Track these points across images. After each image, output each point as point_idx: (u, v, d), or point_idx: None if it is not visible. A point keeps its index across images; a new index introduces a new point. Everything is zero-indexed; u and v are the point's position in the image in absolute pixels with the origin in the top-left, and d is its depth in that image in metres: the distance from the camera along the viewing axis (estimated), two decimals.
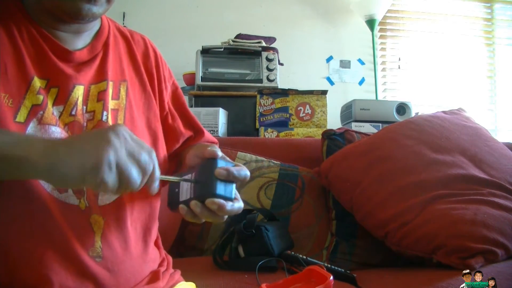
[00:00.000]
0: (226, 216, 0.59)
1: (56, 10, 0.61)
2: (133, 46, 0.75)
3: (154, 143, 0.73)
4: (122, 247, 0.64)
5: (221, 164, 0.59)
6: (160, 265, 0.75)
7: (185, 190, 0.60)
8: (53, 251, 0.56)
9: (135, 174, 0.50)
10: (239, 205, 0.60)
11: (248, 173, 0.62)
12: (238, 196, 0.61)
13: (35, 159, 0.47)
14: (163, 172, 0.57)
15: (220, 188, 0.57)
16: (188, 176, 0.61)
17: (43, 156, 0.48)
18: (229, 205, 0.57)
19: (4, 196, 0.55)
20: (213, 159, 0.60)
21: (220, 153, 0.61)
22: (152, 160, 0.52)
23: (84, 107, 0.63)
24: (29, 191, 0.56)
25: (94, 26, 0.69)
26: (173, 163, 0.81)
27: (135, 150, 0.50)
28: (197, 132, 0.87)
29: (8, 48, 0.58)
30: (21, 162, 0.48)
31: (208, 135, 0.89)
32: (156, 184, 0.53)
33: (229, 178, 0.58)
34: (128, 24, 2.29)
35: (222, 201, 0.56)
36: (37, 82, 0.59)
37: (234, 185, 0.60)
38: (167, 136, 0.79)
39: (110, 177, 0.47)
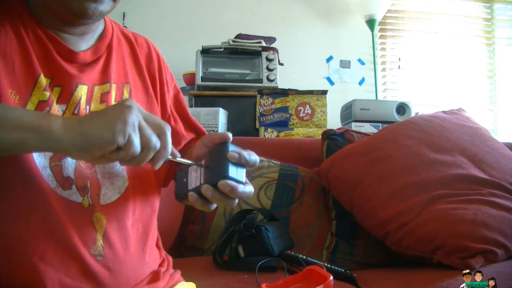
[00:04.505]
0: (236, 201, 0.59)
1: (62, 11, 0.61)
2: (136, 49, 0.76)
3: None
4: (123, 247, 0.64)
5: (232, 147, 0.59)
6: (161, 265, 0.75)
7: (194, 178, 0.60)
8: (54, 248, 0.57)
9: (154, 137, 0.52)
10: (250, 189, 0.60)
11: (258, 159, 0.62)
12: (248, 181, 0.61)
13: (58, 128, 0.49)
14: (167, 166, 0.57)
15: (233, 171, 0.57)
16: (197, 163, 0.61)
17: (66, 126, 0.50)
18: (241, 187, 0.57)
19: (6, 192, 0.55)
20: (224, 143, 0.60)
21: (231, 137, 0.61)
22: (165, 137, 0.54)
23: (88, 107, 0.64)
24: (33, 187, 0.56)
25: (98, 28, 0.70)
26: (174, 162, 0.81)
27: (149, 116, 0.53)
28: (199, 134, 0.88)
29: (16, 46, 0.59)
30: (44, 132, 0.49)
31: None
32: (170, 147, 0.55)
33: (241, 162, 0.58)
34: (128, 24, 2.29)
35: (234, 183, 0.56)
36: (43, 80, 0.60)
37: (245, 170, 0.60)
38: None
39: (135, 138, 0.50)
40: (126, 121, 0.49)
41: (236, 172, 0.58)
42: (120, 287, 0.62)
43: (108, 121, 0.50)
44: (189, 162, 0.60)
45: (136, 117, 0.51)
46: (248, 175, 0.61)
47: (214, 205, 0.60)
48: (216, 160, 0.59)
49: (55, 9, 0.61)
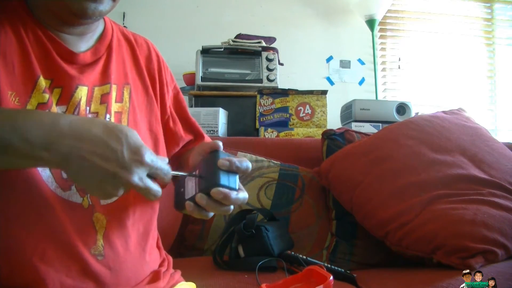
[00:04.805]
0: (232, 207, 0.60)
1: (62, 11, 0.61)
2: (136, 50, 0.76)
3: (155, 146, 0.74)
4: (123, 247, 0.64)
5: (223, 155, 0.60)
6: (161, 265, 0.75)
7: (190, 187, 0.60)
8: (55, 249, 0.57)
9: (152, 191, 0.54)
10: (243, 195, 0.60)
11: (250, 165, 0.62)
12: (242, 187, 0.62)
13: (50, 164, 0.53)
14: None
15: (224, 179, 0.58)
16: (192, 173, 0.61)
17: (57, 164, 0.52)
18: (234, 194, 0.58)
19: (6, 193, 0.55)
20: (215, 151, 0.61)
21: (221, 145, 0.62)
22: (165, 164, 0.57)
23: (88, 108, 0.64)
24: (32, 188, 0.56)
25: (98, 28, 0.70)
26: (173, 166, 0.81)
27: (153, 163, 0.54)
28: (197, 136, 0.87)
29: (15, 47, 0.58)
30: (37, 162, 0.52)
31: (207, 138, 0.89)
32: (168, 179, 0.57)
33: (232, 169, 0.59)
34: (128, 24, 2.29)
35: (226, 190, 0.57)
36: (42, 82, 0.60)
37: (237, 176, 0.60)
38: (167, 139, 0.80)
39: (121, 192, 0.53)
40: (116, 191, 0.52)
41: (228, 179, 0.58)
42: (121, 286, 0.62)
43: (102, 183, 0.51)
44: (183, 174, 0.62)
45: (133, 181, 0.52)
46: (246, 176, 0.62)
47: (211, 213, 0.61)
48: (208, 169, 0.60)
49: (55, 9, 0.61)
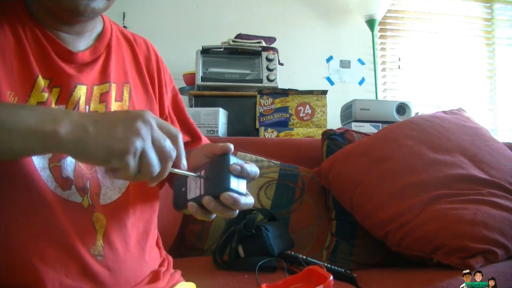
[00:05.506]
0: (237, 211, 0.59)
1: (55, 8, 0.61)
2: (136, 49, 0.76)
3: None
4: (123, 247, 0.64)
5: (233, 160, 0.59)
6: (161, 265, 0.75)
7: (194, 188, 0.59)
8: (54, 249, 0.57)
9: (155, 163, 0.50)
10: (251, 200, 0.60)
11: (258, 171, 0.62)
12: (248, 191, 0.61)
13: (63, 136, 0.47)
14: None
15: (234, 183, 0.57)
16: (198, 174, 0.60)
17: (71, 133, 0.47)
18: (243, 199, 0.57)
19: (6, 193, 0.55)
20: (225, 154, 0.60)
21: (233, 148, 0.61)
22: (177, 145, 0.53)
23: (87, 107, 0.64)
24: (32, 188, 0.56)
25: (96, 27, 0.70)
26: None
27: (161, 138, 0.50)
28: (195, 138, 0.87)
29: (14, 47, 0.59)
30: (49, 137, 0.47)
31: (205, 140, 0.89)
32: (183, 162, 0.54)
33: (242, 174, 0.58)
34: (128, 24, 2.29)
35: (236, 195, 0.56)
36: (41, 81, 0.60)
37: (245, 181, 0.60)
38: None
39: (133, 164, 0.48)
40: (127, 147, 0.47)
41: (238, 184, 0.58)
42: (120, 287, 0.62)
43: (110, 138, 0.47)
44: (190, 173, 0.60)
45: (141, 142, 0.48)
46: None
47: (214, 215, 0.60)
48: (217, 172, 0.58)
49: (49, 6, 0.61)
